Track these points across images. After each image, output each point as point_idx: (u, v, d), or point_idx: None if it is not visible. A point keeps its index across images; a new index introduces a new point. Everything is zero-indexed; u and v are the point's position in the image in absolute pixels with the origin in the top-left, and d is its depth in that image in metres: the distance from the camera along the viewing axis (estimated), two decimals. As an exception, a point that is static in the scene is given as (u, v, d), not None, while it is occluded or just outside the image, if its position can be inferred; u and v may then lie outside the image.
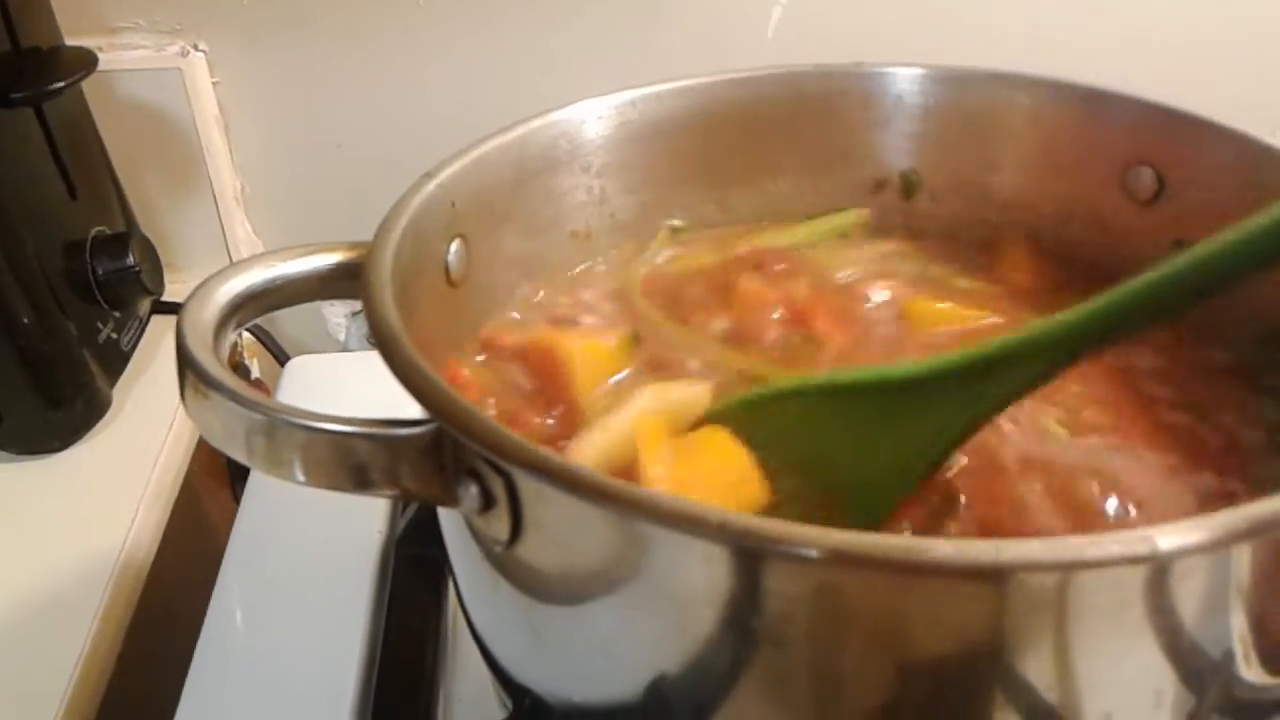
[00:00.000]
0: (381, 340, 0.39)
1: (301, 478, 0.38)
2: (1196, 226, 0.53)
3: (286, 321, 0.98)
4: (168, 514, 0.71)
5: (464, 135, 0.53)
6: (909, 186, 0.62)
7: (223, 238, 0.92)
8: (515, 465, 0.34)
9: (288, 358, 0.85)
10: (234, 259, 0.93)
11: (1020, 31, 0.84)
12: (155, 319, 0.84)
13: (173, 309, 0.85)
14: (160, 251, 0.82)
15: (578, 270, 0.59)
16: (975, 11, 0.85)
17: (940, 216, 0.62)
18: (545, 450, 0.34)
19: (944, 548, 0.30)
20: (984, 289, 0.57)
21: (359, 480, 0.38)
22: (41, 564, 0.64)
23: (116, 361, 0.78)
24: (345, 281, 0.45)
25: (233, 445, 0.39)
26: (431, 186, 0.48)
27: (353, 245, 0.45)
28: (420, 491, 0.38)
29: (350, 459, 0.38)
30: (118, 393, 0.76)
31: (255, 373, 0.95)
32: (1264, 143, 0.50)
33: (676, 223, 0.61)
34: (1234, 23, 0.84)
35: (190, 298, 0.42)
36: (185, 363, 0.39)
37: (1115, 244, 0.57)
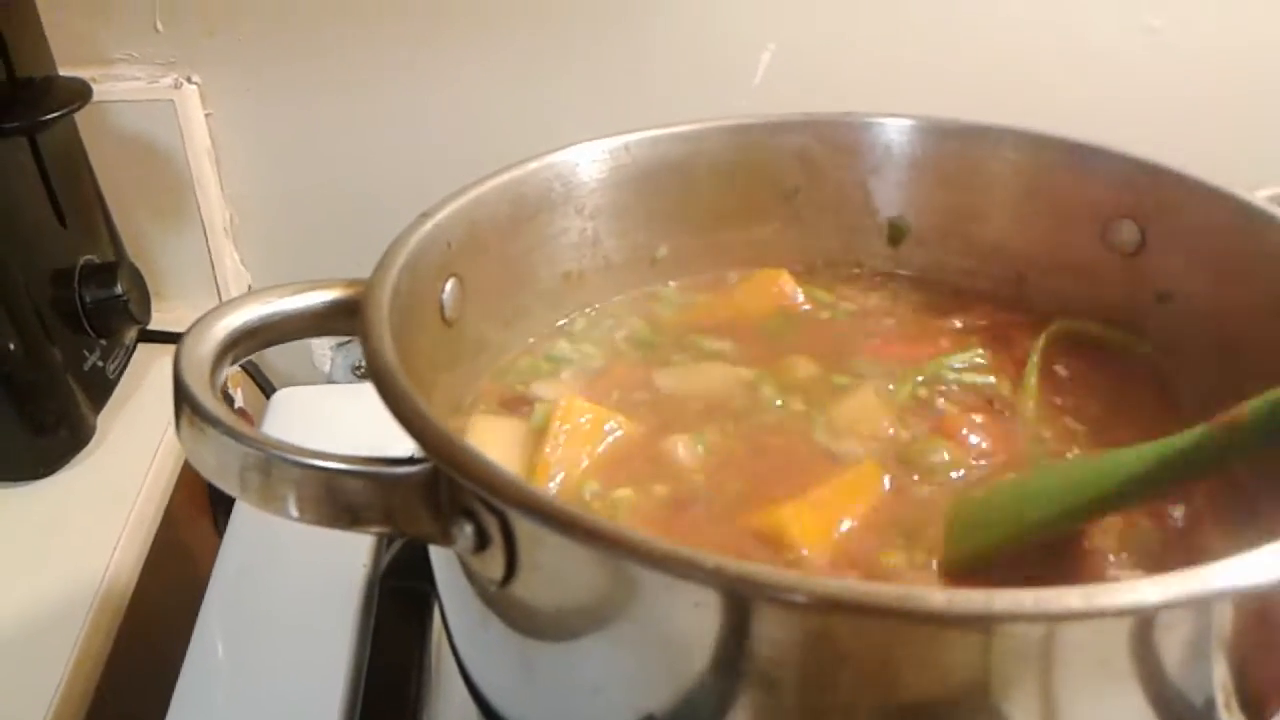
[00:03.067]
0: (379, 379, 0.39)
1: (295, 514, 0.38)
2: (1178, 279, 0.55)
3: (272, 352, 0.97)
4: (150, 543, 0.70)
5: (455, 174, 0.53)
6: (896, 233, 0.63)
7: (211, 269, 0.92)
8: (511, 506, 0.35)
9: (273, 389, 0.85)
10: (221, 290, 0.93)
11: (1007, 83, 0.85)
12: (141, 347, 0.84)
13: (159, 338, 0.85)
14: (148, 281, 0.82)
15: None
16: (963, 62, 0.86)
17: (925, 263, 0.63)
18: (541, 491, 0.34)
19: (935, 597, 0.30)
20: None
21: (353, 518, 0.38)
22: (22, 592, 0.63)
23: (102, 390, 0.78)
24: (341, 319, 0.45)
25: (227, 480, 0.39)
26: (429, 226, 0.49)
27: (349, 282, 0.46)
28: (414, 530, 0.38)
29: (344, 497, 0.38)
30: (102, 421, 0.76)
31: (239, 403, 0.95)
32: (1244, 198, 0.51)
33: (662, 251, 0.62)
34: (1215, 81, 0.86)
35: (188, 332, 0.42)
36: (182, 397, 0.39)
37: (1098, 293, 0.58)
